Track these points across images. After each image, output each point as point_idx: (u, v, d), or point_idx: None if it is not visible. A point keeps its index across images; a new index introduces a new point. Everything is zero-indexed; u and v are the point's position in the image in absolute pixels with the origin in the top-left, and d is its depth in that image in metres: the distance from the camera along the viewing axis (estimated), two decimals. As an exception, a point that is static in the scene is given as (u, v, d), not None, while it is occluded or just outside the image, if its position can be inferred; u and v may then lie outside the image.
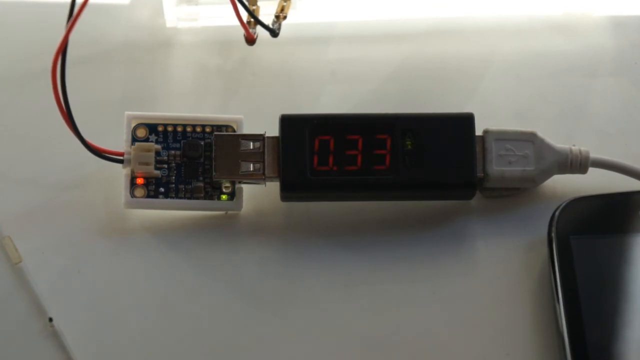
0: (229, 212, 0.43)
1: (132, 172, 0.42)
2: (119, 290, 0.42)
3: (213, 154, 0.42)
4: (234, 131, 0.43)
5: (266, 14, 0.45)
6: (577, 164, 0.42)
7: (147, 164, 0.42)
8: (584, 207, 0.41)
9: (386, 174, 0.42)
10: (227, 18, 0.45)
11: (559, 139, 0.43)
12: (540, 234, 0.42)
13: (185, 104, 0.45)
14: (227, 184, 0.42)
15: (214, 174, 0.42)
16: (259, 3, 0.45)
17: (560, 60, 0.46)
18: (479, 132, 0.42)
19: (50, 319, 0.41)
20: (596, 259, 0.40)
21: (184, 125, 0.43)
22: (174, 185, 0.42)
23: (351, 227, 0.43)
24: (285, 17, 0.45)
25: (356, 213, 0.43)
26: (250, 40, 0.44)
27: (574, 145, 0.43)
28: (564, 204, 0.41)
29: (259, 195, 0.43)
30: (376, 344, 0.41)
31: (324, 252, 0.42)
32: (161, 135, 0.42)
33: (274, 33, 0.45)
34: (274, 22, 0.45)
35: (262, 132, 0.42)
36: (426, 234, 0.43)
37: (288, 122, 0.42)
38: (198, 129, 0.43)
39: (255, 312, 0.41)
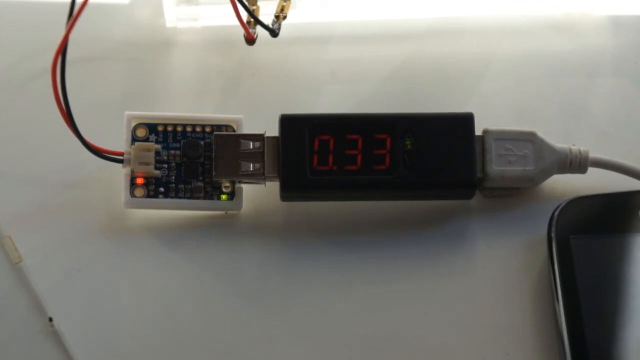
0: (229, 212, 0.43)
1: (132, 172, 0.42)
2: (119, 290, 0.42)
3: (213, 154, 0.42)
4: (234, 131, 0.43)
5: (266, 14, 0.45)
6: (577, 163, 0.42)
7: (147, 163, 0.42)
8: (584, 207, 0.41)
9: (386, 174, 0.42)
10: (227, 18, 0.45)
11: (558, 139, 0.43)
12: (540, 234, 0.42)
13: (185, 104, 0.45)
14: (227, 184, 0.42)
15: (214, 174, 0.42)
16: (259, 3, 0.45)
17: (560, 60, 0.46)
18: (478, 132, 0.42)
19: (50, 319, 0.41)
20: (596, 259, 0.40)
21: (184, 125, 0.43)
22: (174, 185, 0.42)
23: (351, 227, 0.43)
24: (285, 17, 0.45)
25: (356, 213, 0.43)
26: (250, 40, 0.44)
27: (573, 145, 0.43)
28: (563, 204, 0.41)
29: (259, 195, 0.43)
30: (376, 344, 0.41)
31: (324, 252, 0.42)
32: (161, 135, 0.42)
33: (274, 33, 0.45)
34: (274, 22, 0.45)
35: (262, 132, 0.42)
36: (426, 234, 0.43)
37: (288, 122, 0.42)
38: (198, 129, 0.43)
39: (255, 312, 0.41)
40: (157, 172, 0.42)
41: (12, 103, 0.45)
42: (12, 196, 0.43)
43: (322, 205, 0.43)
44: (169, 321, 0.41)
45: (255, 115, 0.43)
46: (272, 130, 0.42)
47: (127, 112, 0.42)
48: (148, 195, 0.42)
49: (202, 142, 0.42)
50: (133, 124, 0.42)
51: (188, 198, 0.42)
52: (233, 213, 0.43)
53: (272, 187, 0.42)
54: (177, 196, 0.42)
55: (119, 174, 0.42)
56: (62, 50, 0.38)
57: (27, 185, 0.43)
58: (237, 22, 0.43)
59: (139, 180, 0.42)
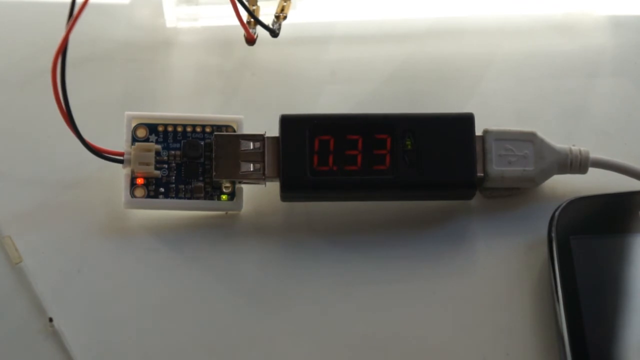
0: (229, 212, 0.43)
1: (132, 172, 0.42)
2: (119, 290, 0.42)
3: (213, 154, 0.42)
4: (234, 131, 0.43)
5: (266, 14, 0.45)
6: (577, 164, 0.42)
7: (147, 164, 0.42)
8: (584, 207, 0.41)
9: (386, 174, 0.42)
10: (227, 18, 0.45)
11: (559, 139, 0.43)
12: (540, 234, 0.42)
13: (185, 104, 0.45)
14: (227, 184, 0.42)
15: (214, 174, 0.42)
16: (259, 3, 0.45)
17: (560, 60, 0.46)
18: (479, 132, 0.42)
19: (50, 319, 0.41)
20: (596, 259, 0.40)
21: (184, 125, 0.43)
22: (174, 185, 0.42)
23: (351, 227, 0.43)
24: (285, 17, 0.45)
25: (356, 213, 0.43)
26: (250, 40, 0.44)
27: (573, 145, 0.43)
28: (563, 204, 0.41)
29: (259, 195, 0.43)
30: (376, 344, 0.41)
31: (324, 252, 0.42)
32: (161, 135, 0.42)
33: (274, 33, 0.45)
34: (274, 22, 0.45)
35: (262, 132, 0.42)
36: (426, 234, 0.43)
37: (288, 122, 0.42)
38: (198, 129, 0.43)
39: (255, 312, 0.41)
40: (157, 172, 0.42)
41: (12, 103, 0.45)
42: (12, 196, 0.43)
43: (322, 205, 0.43)
44: (168, 321, 0.41)
45: (255, 115, 0.43)
46: (272, 130, 0.42)
47: (127, 112, 0.42)
48: (148, 196, 0.42)
49: (202, 143, 0.42)
50: (133, 124, 0.42)
51: (188, 198, 0.42)
52: (233, 213, 0.43)
53: (272, 188, 0.42)
54: (177, 196, 0.42)
55: (119, 174, 0.42)
56: (62, 51, 0.38)
57: (27, 185, 0.43)
58: (237, 22, 0.43)
59: (139, 181, 0.42)
